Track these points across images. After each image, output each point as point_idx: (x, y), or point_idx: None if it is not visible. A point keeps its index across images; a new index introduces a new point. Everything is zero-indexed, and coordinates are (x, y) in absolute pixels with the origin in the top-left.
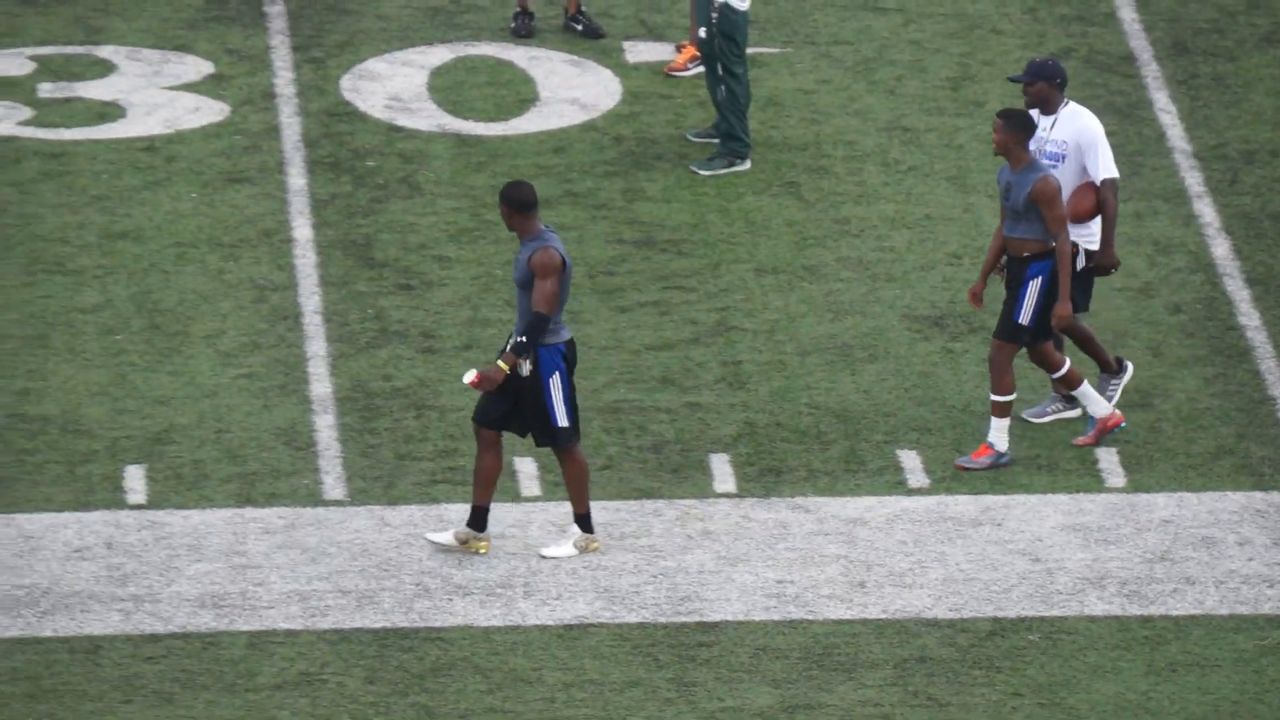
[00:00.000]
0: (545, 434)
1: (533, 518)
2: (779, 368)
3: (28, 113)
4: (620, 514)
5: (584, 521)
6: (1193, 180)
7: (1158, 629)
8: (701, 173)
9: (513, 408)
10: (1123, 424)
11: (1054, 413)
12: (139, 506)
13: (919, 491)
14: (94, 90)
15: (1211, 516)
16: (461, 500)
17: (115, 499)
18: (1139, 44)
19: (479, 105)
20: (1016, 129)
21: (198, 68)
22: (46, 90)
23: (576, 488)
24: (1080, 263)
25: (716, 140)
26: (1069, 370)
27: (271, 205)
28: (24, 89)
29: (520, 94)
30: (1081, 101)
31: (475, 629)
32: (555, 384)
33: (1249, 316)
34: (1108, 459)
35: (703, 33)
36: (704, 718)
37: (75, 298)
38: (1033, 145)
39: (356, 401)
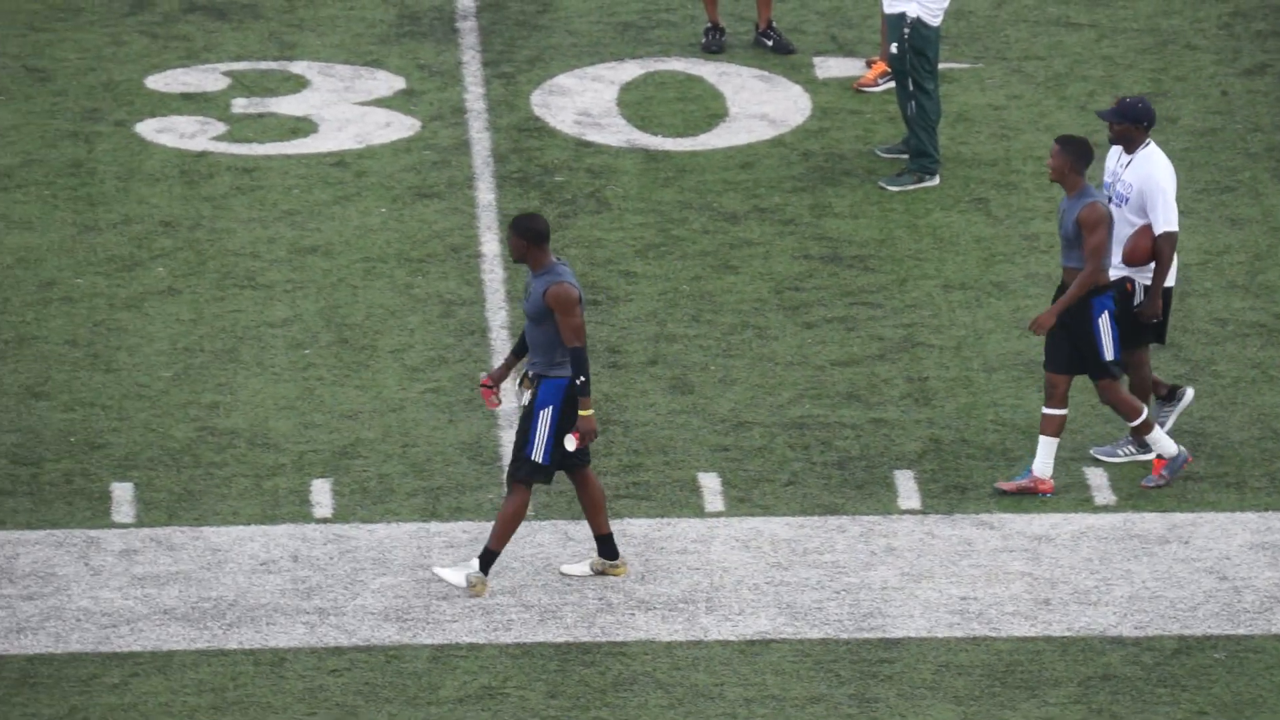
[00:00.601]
0: (516, 460)
1: (716, 533)
2: (965, 384)
3: (221, 128)
4: (804, 530)
5: (487, 559)
6: None
7: None
8: (890, 188)
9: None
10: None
11: (1126, 455)
12: (325, 520)
13: (1105, 508)
14: (287, 106)
15: None
16: (645, 515)
17: (302, 512)
18: None
19: (668, 121)
20: (1072, 155)
21: (389, 83)
22: (240, 106)
23: (502, 526)
24: (1137, 298)
25: (906, 156)
26: (1144, 421)
27: (460, 220)
28: (218, 104)
29: (709, 109)
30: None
31: (657, 644)
32: (545, 418)
33: None
34: None
35: (894, 48)
36: None
37: (265, 312)
38: (1107, 179)
39: None
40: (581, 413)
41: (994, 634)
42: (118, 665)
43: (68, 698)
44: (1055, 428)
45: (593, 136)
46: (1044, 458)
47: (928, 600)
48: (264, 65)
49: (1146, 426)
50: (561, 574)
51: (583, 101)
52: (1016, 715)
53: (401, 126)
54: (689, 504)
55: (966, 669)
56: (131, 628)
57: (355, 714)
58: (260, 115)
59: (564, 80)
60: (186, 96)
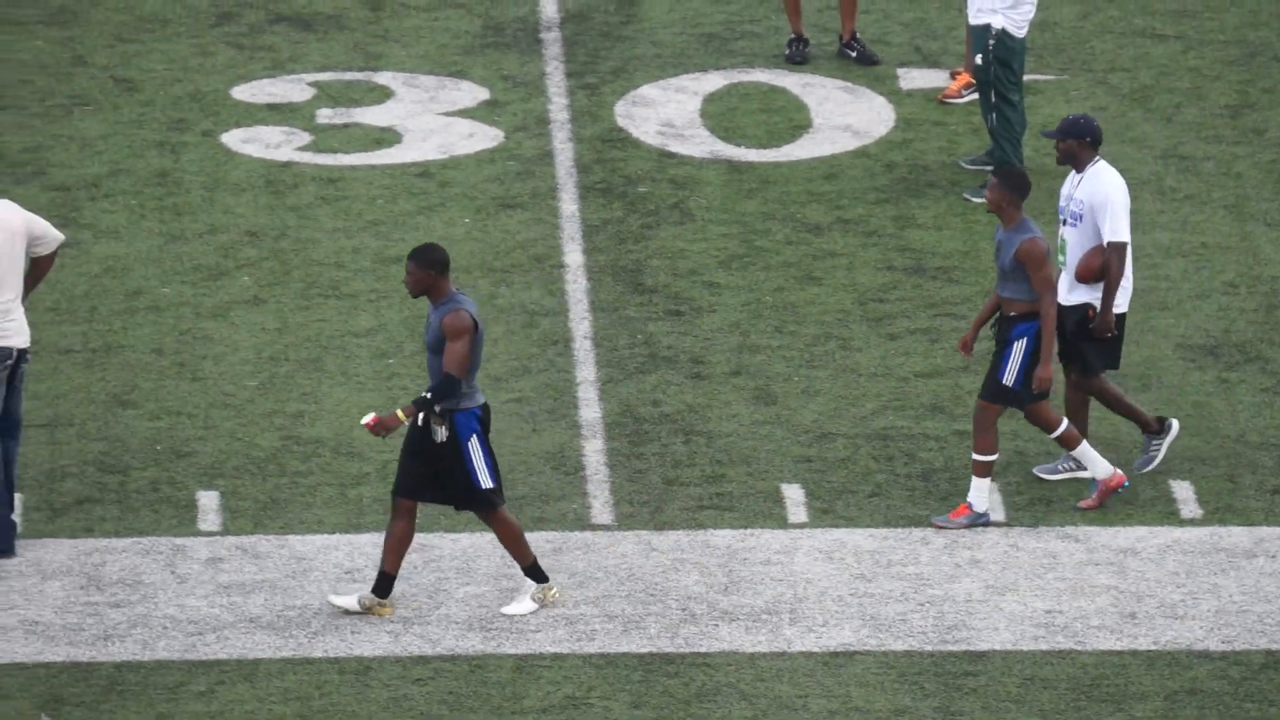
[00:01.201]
0: (469, 498)
1: (799, 544)
2: (1051, 398)
3: (306, 138)
4: (888, 541)
5: (534, 572)
6: None
7: None
8: (974, 200)
9: (433, 476)
10: (1125, 484)
11: (1066, 470)
12: None
13: (1191, 522)
14: (371, 116)
15: None
16: (729, 526)
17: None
18: None
19: (751, 131)
20: (1009, 188)
21: (473, 94)
22: (325, 116)
23: (513, 546)
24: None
25: (990, 168)
26: (1065, 430)
27: (543, 230)
28: (303, 115)
29: (793, 120)
30: None
31: (741, 655)
32: (474, 446)
33: None
34: None
35: (979, 60)
36: None
37: (349, 321)
38: (1061, 204)
39: (625, 426)
40: (399, 412)
41: (1079, 647)
42: (204, 673)
43: (154, 705)
44: (1071, 438)
45: (676, 147)
46: (1092, 462)
47: (1012, 613)
48: (349, 76)
49: (1070, 440)
50: (503, 614)
51: (666, 112)
52: None
53: (485, 137)
54: (772, 515)
55: (1052, 682)
56: (218, 635)
57: None
58: (345, 126)
59: (648, 91)
60: (272, 107)
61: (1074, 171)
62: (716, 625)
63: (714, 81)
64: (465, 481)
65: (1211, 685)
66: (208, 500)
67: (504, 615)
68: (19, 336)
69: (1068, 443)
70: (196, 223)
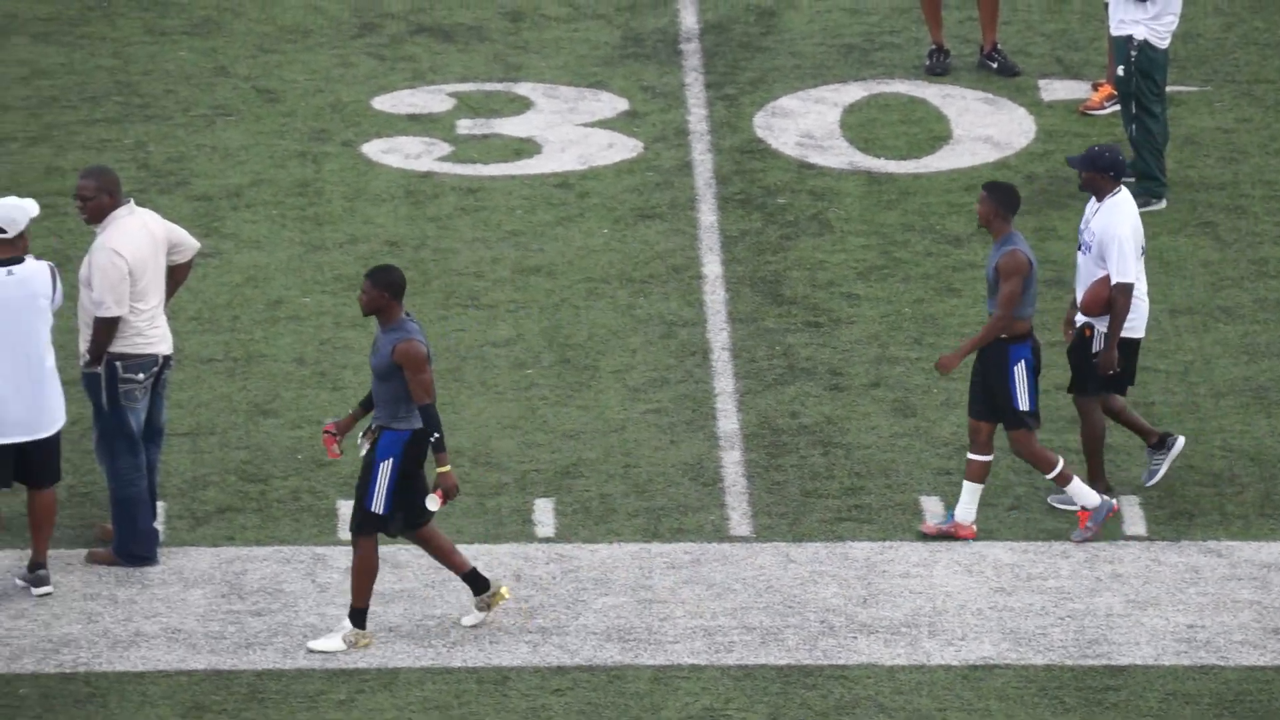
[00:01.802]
0: (355, 511)
1: (938, 557)
2: (1192, 410)
3: (446, 149)
4: (1028, 555)
5: (357, 616)
6: None
7: None
8: None
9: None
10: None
11: (1058, 502)
12: (547, 540)
13: None
14: (511, 127)
15: None
16: (867, 539)
17: (524, 532)
18: None
19: (891, 143)
20: (998, 202)
21: (613, 104)
22: (465, 127)
23: (359, 579)
24: (1095, 345)
25: (1133, 179)
26: (1061, 472)
27: (682, 241)
28: (443, 125)
29: (933, 131)
30: None
31: (880, 668)
32: (385, 469)
33: None
34: None
35: (1120, 71)
36: None
37: (488, 331)
38: (1081, 227)
39: (763, 438)
40: (440, 470)
41: (1222, 663)
42: (344, 681)
43: (295, 713)
44: (979, 473)
45: (815, 159)
46: (967, 503)
47: (1154, 628)
48: (489, 87)
49: (1064, 478)
50: (464, 625)
51: (805, 123)
52: None
53: (624, 148)
54: (911, 527)
55: (1194, 698)
56: None
57: None
58: (485, 136)
59: (787, 102)
60: (412, 117)
61: (1094, 199)
62: (855, 638)
63: (854, 92)
64: (360, 495)
65: None
66: (348, 510)
67: (312, 651)
68: (163, 344)
69: (1061, 478)
70: (337, 233)
